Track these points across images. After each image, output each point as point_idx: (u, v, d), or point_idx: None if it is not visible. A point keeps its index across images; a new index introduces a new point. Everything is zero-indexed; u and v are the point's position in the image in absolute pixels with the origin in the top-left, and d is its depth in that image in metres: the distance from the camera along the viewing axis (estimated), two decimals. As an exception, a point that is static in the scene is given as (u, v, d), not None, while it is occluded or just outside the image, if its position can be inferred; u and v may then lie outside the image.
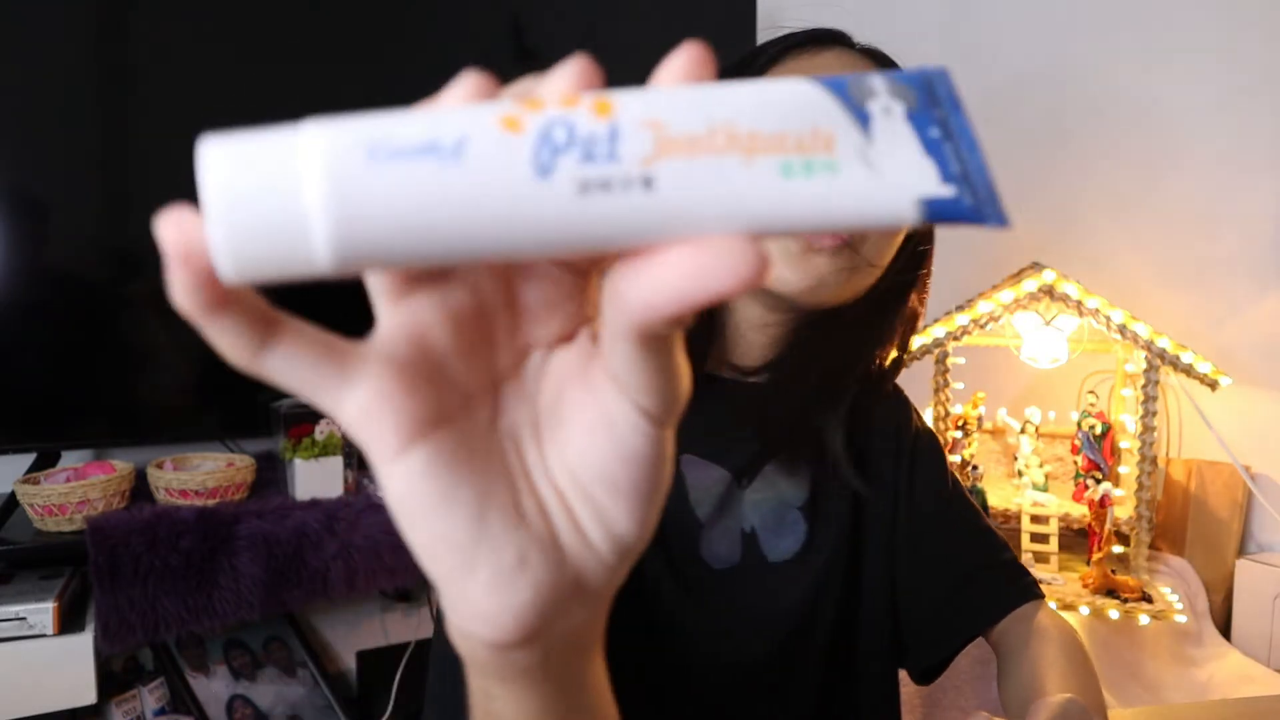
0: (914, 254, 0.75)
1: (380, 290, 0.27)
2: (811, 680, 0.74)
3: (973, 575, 0.78)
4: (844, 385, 0.76)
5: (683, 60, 0.24)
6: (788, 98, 0.22)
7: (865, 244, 0.67)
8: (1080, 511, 1.37)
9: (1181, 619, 1.25)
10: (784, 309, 0.71)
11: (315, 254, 0.22)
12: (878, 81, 0.23)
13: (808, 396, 0.75)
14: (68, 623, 1.24)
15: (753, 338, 0.73)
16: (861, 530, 0.77)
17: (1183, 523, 1.51)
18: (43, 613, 1.21)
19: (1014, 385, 1.65)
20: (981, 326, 1.38)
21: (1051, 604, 0.83)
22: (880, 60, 0.74)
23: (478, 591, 0.26)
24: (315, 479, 1.43)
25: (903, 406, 0.83)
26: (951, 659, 0.78)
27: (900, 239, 0.71)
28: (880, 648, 0.78)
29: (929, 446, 0.82)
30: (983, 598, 0.78)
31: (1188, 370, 1.32)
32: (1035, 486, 1.42)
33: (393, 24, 1.62)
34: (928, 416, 1.44)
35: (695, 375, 0.64)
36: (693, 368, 0.60)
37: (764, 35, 2.13)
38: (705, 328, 0.72)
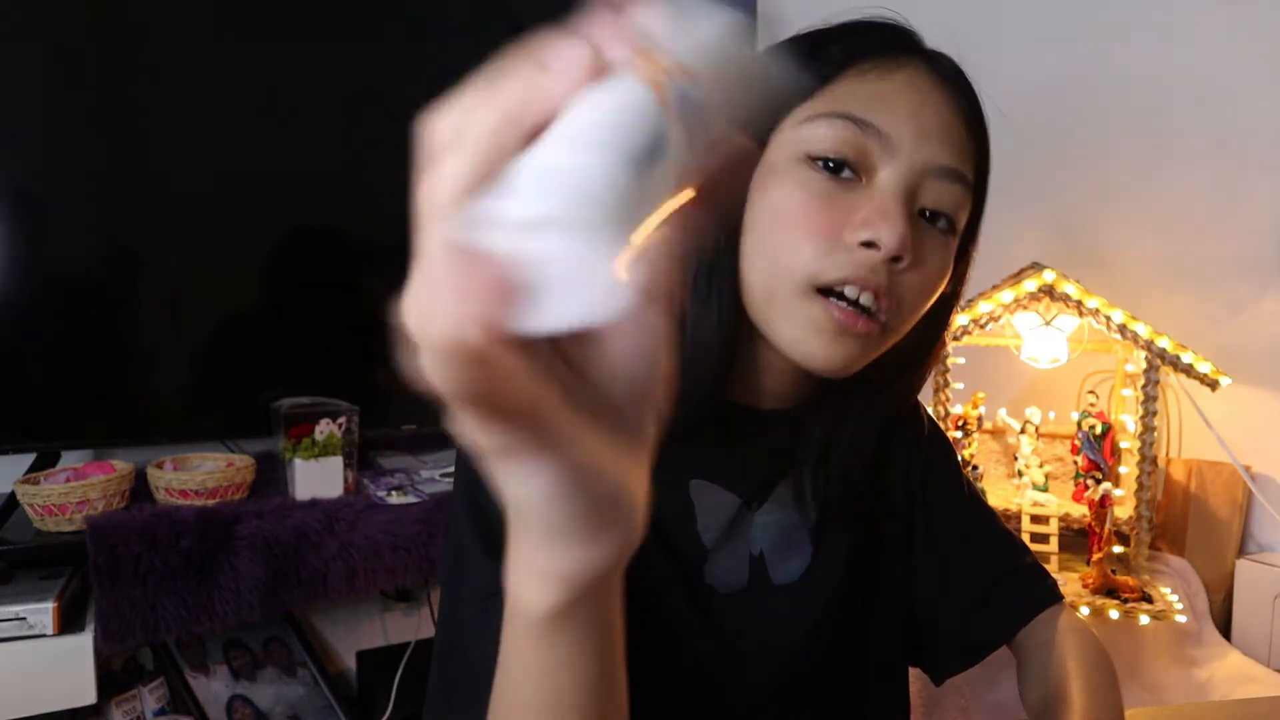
0: (946, 300, 0.69)
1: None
2: (822, 696, 0.73)
3: (996, 581, 0.77)
4: (872, 417, 0.73)
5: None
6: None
7: (900, 320, 0.62)
8: (1080, 511, 1.37)
9: (1182, 619, 1.25)
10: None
11: None
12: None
13: (833, 430, 0.71)
14: (68, 623, 1.24)
15: (774, 374, 0.69)
16: (875, 541, 0.75)
17: (1183, 523, 1.51)
18: (43, 613, 1.21)
19: (1014, 385, 1.65)
20: (982, 326, 1.38)
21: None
22: (965, 89, 0.64)
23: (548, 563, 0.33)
24: (315, 479, 1.43)
25: (914, 411, 0.80)
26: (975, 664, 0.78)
27: (933, 300, 0.64)
28: (893, 658, 0.77)
29: (942, 450, 0.81)
30: (1007, 604, 0.76)
31: (1188, 370, 1.32)
32: (1035, 486, 1.42)
33: (390, 17, 1.62)
34: (928, 416, 1.44)
35: (711, 403, 0.63)
36: (710, 396, 0.62)
37: (764, 34, 2.14)
38: (721, 358, 0.66)
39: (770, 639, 0.70)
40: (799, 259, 0.59)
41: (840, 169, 0.59)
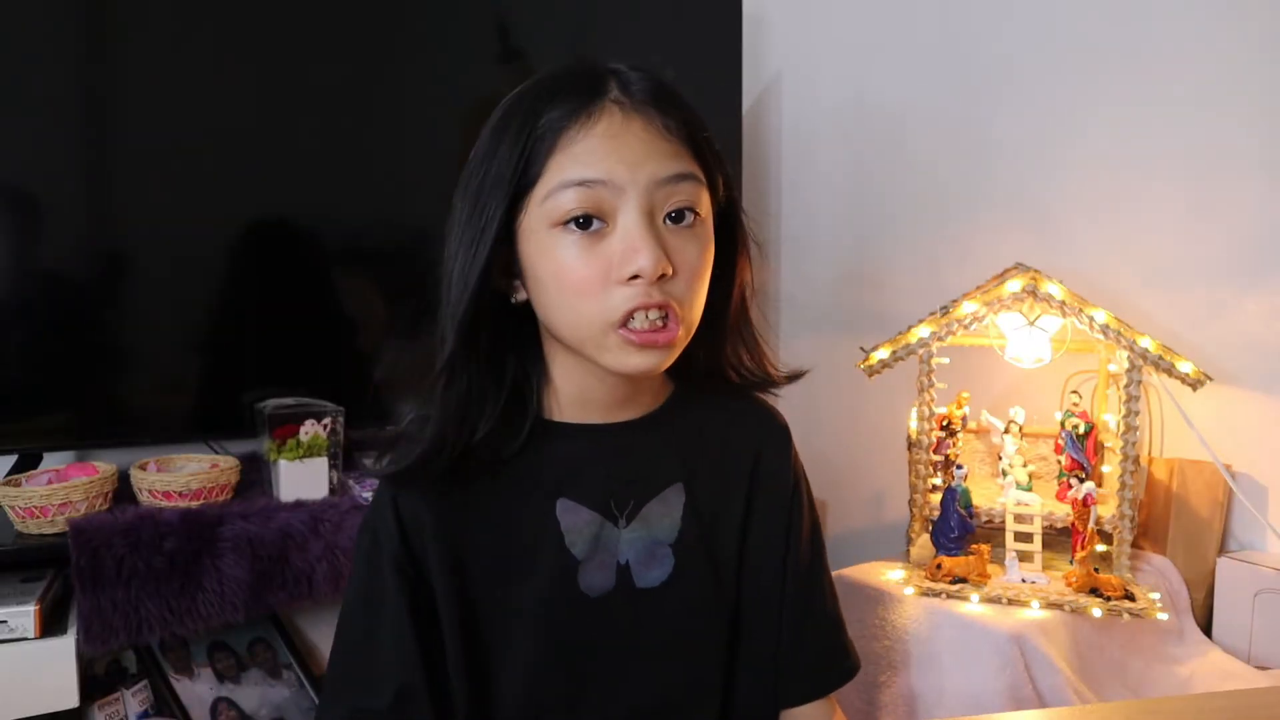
0: (725, 253, 0.79)
1: None
2: (691, 688, 0.82)
3: (800, 650, 0.86)
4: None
5: None
6: None
7: (689, 311, 0.73)
8: (1064, 510, 1.38)
9: (1163, 617, 1.26)
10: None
11: None
12: None
13: (676, 429, 0.83)
14: (50, 625, 1.24)
15: (595, 384, 0.79)
16: (744, 564, 0.85)
17: (1165, 521, 1.53)
18: (24, 615, 1.21)
19: (998, 385, 1.66)
20: (966, 327, 1.39)
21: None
22: (657, 101, 0.72)
23: None
24: (300, 480, 1.42)
25: (783, 441, 0.89)
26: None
27: (707, 273, 0.75)
28: (761, 658, 0.85)
29: (807, 495, 0.90)
30: (803, 675, 0.87)
31: (1169, 370, 1.33)
32: (1019, 486, 1.43)
33: (379, 24, 1.61)
34: (913, 417, 1.45)
35: (543, 423, 0.76)
36: (534, 416, 0.78)
37: (749, 36, 2.13)
38: (538, 378, 0.80)
39: (636, 634, 0.80)
40: (588, 312, 0.71)
41: (589, 223, 0.70)
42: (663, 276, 0.70)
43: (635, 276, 0.69)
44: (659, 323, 0.71)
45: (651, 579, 0.80)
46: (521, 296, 0.76)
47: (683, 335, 0.73)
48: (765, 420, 0.89)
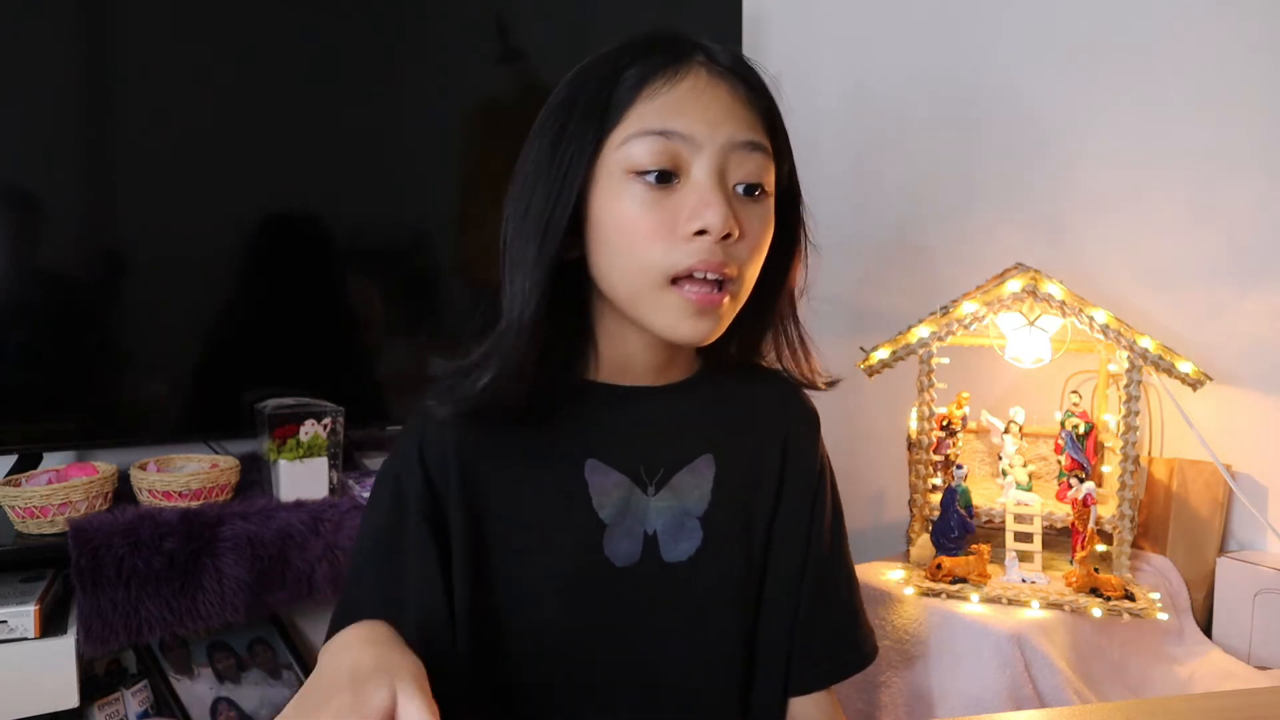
0: (780, 245, 0.79)
1: None
2: (710, 668, 0.80)
3: (814, 635, 0.84)
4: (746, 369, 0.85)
5: None
6: None
7: (741, 285, 0.73)
8: (1064, 510, 1.38)
9: (1163, 617, 1.27)
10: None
11: None
12: None
13: (708, 400, 0.82)
14: (49, 625, 1.23)
15: (639, 349, 0.78)
16: (770, 545, 0.83)
17: (1165, 521, 1.53)
18: (24, 615, 1.21)
19: (998, 385, 1.66)
20: (966, 327, 1.39)
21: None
22: (741, 71, 0.74)
23: None
24: (300, 480, 1.42)
25: (812, 425, 0.87)
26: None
27: (765, 251, 0.75)
28: (779, 641, 0.83)
29: (831, 482, 0.88)
30: (807, 665, 0.83)
31: (1169, 370, 1.33)
32: (1019, 486, 1.43)
33: (378, 24, 1.61)
34: (912, 417, 1.45)
35: (578, 383, 0.75)
36: (570, 375, 0.76)
37: (750, 36, 2.13)
38: (579, 339, 0.79)
39: (658, 610, 0.78)
40: (650, 260, 0.70)
41: (662, 175, 0.70)
42: (727, 237, 0.70)
43: (702, 232, 0.69)
44: (717, 283, 0.71)
45: (679, 552, 0.78)
46: (574, 254, 0.74)
47: (731, 305, 0.73)
48: (795, 404, 0.87)
